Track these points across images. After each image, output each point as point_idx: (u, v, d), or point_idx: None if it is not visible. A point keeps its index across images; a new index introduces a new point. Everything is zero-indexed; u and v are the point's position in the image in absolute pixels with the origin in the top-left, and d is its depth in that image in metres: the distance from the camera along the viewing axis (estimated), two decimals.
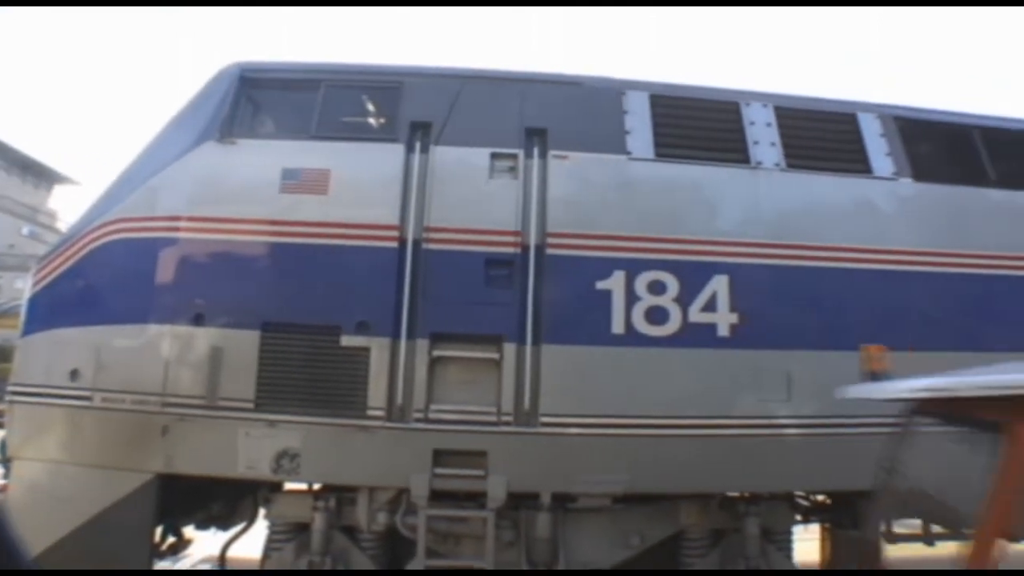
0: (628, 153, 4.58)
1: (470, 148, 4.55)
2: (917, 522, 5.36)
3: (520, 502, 4.24)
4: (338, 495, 4.31)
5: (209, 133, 4.56)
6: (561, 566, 4.21)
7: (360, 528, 4.30)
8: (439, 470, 4.06)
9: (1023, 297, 4.94)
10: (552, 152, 4.56)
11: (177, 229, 4.35)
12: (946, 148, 5.22)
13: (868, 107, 5.15)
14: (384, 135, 4.74)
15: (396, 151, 4.52)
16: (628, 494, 4.18)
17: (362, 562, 4.30)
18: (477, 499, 4.14)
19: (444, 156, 4.52)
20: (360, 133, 4.85)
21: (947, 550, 6.89)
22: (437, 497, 4.09)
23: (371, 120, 5.09)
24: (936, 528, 5.32)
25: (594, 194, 4.41)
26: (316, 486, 4.48)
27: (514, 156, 4.55)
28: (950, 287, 4.78)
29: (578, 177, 4.47)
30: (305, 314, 4.24)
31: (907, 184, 4.85)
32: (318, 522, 4.24)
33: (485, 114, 4.67)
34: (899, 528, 5.28)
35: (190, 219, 4.37)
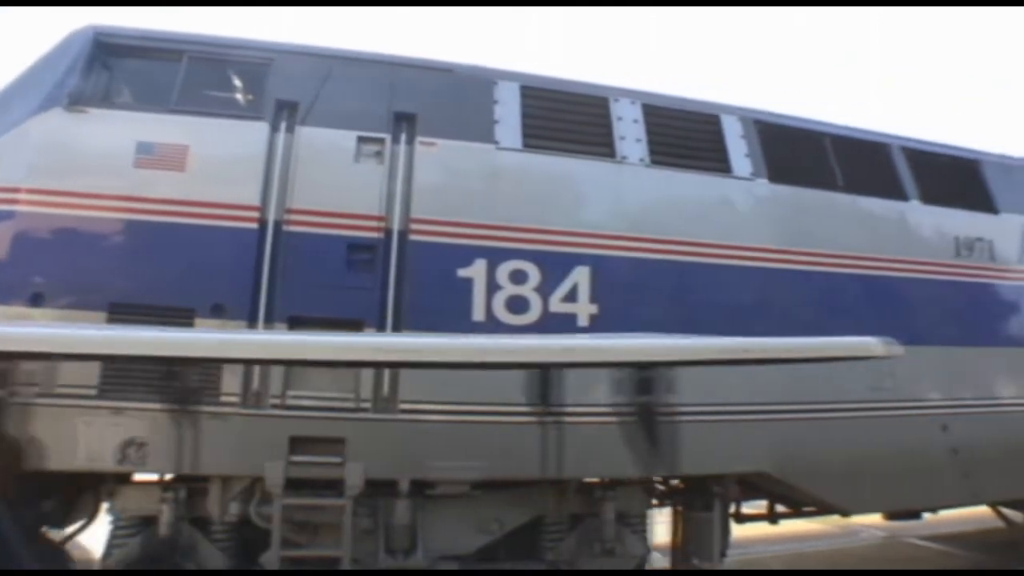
0: (496, 143, 4.90)
1: (337, 130, 4.73)
2: (763, 502, 6.03)
3: (378, 489, 4.45)
4: (188, 485, 4.40)
5: (56, 99, 4.52)
6: (420, 554, 4.46)
7: (211, 519, 4.40)
8: (295, 458, 4.21)
9: (866, 294, 5.65)
10: (420, 138, 4.81)
11: (15, 201, 4.31)
12: (800, 152, 5.89)
13: (731, 109, 5.74)
14: (248, 112, 4.83)
15: (260, 130, 4.66)
16: (487, 480, 4.48)
17: (212, 555, 4.42)
18: (335, 487, 4.30)
19: (310, 137, 4.69)
20: (223, 109, 4.89)
21: (790, 528, 7.79)
22: (293, 486, 4.23)
23: (235, 96, 5.15)
24: (779, 508, 6.01)
25: (460, 182, 4.70)
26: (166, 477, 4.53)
27: (381, 141, 4.77)
28: (801, 283, 5.42)
29: (445, 164, 4.74)
30: (156, 295, 4.30)
31: (763, 184, 5.45)
32: (166, 514, 4.31)
33: (354, 96, 4.87)
34: (746, 509, 5.94)
35: (30, 191, 4.34)
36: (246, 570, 4.61)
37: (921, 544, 8.30)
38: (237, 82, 5.08)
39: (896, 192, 6.14)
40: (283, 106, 4.74)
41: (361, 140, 4.71)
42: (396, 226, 4.55)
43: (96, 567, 4.73)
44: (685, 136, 5.46)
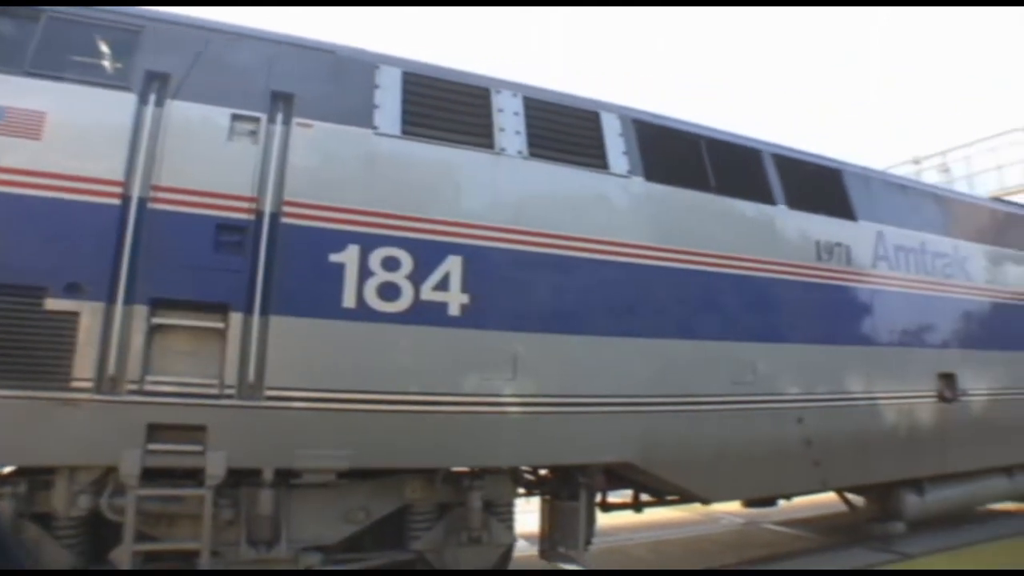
0: (374, 128, 5.08)
1: (210, 106, 4.77)
2: (628, 492, 6.52)
3: (241, 479, 4.56)
4: (30, 478, 4.34)
5: None
6: (283, 544, 4.60)
7: (56, 514, 4.35)
8: (153, 446, 4.24)
9: (735, 292, 6.21)
10: (297, 119, 4.91)
11: None
12: (676, 153, 6.39)
13: (610, 107, 6.16)
14: (115, 81, 4.74)
15: (127, 101, 4.63)
16: (353, 469, 4.65)
17: (57, 553, 4.38)
18: (195, 477, 4.37)
19: (180, 112, 4.70)
20: (87, 76, 4.76)
21: (651, 516, 8.41)
22: (150, 476, 4.26)
23: (102, 63, 5.04)
24: (644, 497, 6.52)
25: (335, 165, 4.85)
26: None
27: (256, 119, 4.83)
28: (674, 281, 5.90)
29: (321, 147, 4.88)
30: (3, 272, 4.19)
31: (638, 182, 5.91)
32: (4, 510, 4.24)
33: (230, 72, 4.92)
34: (612, 498, 6.41)
35: None
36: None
37: (776, 529, 9.19)
38: (104, 48, 4.98)
39: (765, 196, 6.77)
40: (153, 77, 4.72)
41: (235, 118, 4.77)
42: (268, 208, 4.64)
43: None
44: (564, 131, 5.82)
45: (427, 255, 4.90)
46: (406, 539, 5.16)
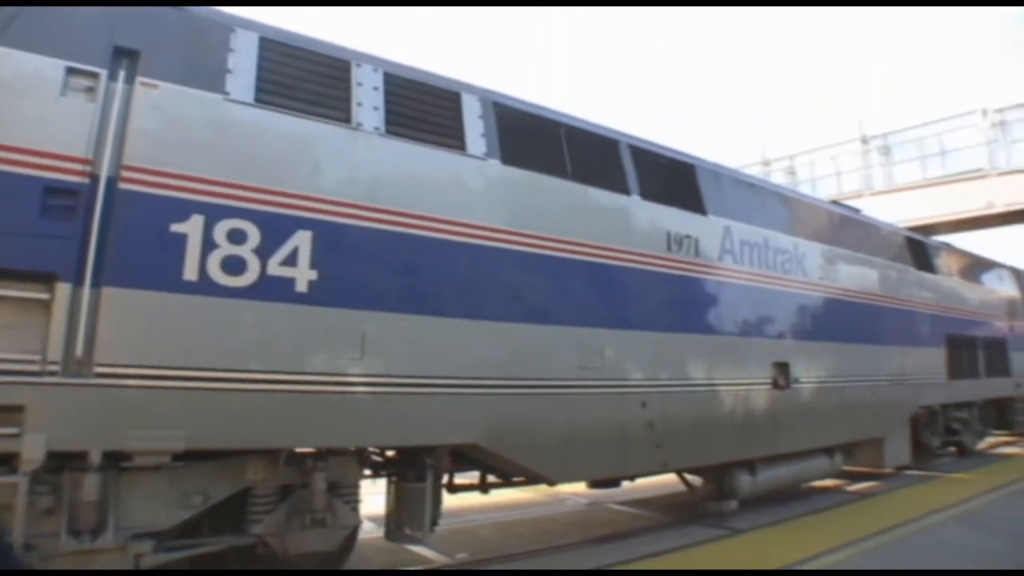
0: (226, 93, 4.92)
1: (42, 56, 4.44)
2: (475, 473, 6.73)
3: (65, 463, 4.33)
4: None
5: None
6: (110, 531, 4.42)
7: None
8: None
9: (588, 279, 6.50)
10: (141, 78, 4.68)
11: None
12: (535, 139, 6.60)
13: (472, 89, 6.28)
14: None
15: None
16: (191, 451, 4.51)
17: None
18: (8, 463, 4.10)
19: (6, 61, 4.36)
20: None
21: (499, 497, 8.72)
22: None
23: None
24: (491, 478, 6.75)
25: (180, 130, 4.67)
26: None
27: (95, 75, 4.55)
28: (528, 265, 6.11)
29: (166, 110, 4.67)
30: None
31: (495, 165, 6.06)
32: None
33: (68, 21, 4.58)
34: (459, 479, 6.60)
35: None
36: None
37: (618, 509, 9.76)
38: None
39: (620, 186, 7.12)
40: None
41: (71, 72, 4.45)
42: (104, 172, 4.39)
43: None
44: (424, 110, 5.88)
45: (275, 229, 4.81)
46: (246, 523, 5.09)
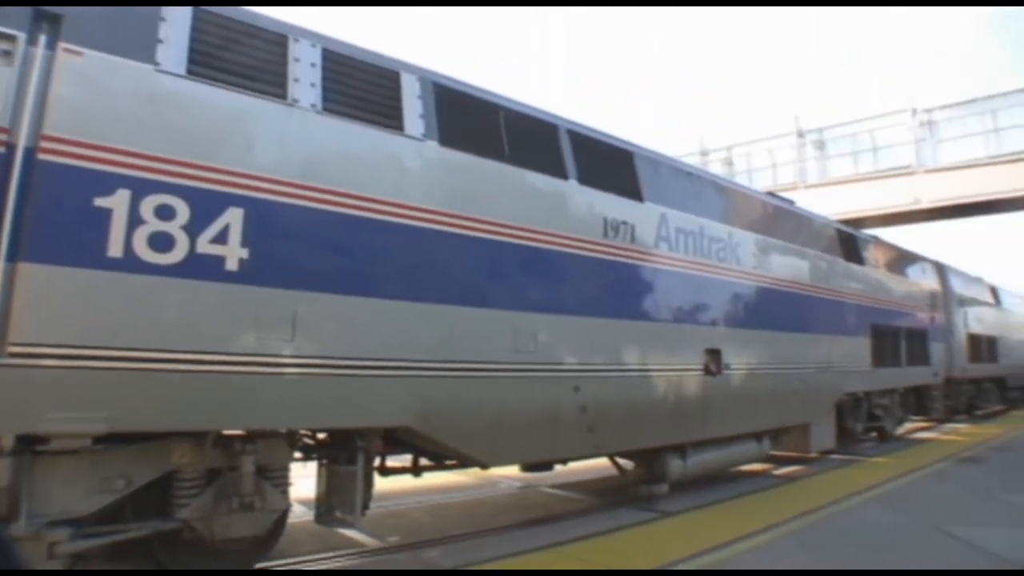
0: (156, 64, 4.76)
1: None
2: (408, 456, 6.74)
3: None
4: None
5: None
6: (23, 518, 4.26)
7: None
8: None
9: (524, 263, 6.54)
10: (64, 45, 4.49)
11: None
12: (473, 121, 6.59)
13: (412, 69, 6.23)
14: None
15: None
16: (113, 433, 4.38)
17: None
18: None
19: None
20: None
21: (433, 481, 8.78)
22: None
23: None
24: (423, 462, 6.77)
25: (107, 101, 4.49)
26: None
27: (12, 38, 4.36)
28: (465, 248, 6.11)
29: (91, 79, 4.49)
30: None
31: (433, 147, 6.03)
32: None
33: None
34: (392, 462, 6.60)
35: None
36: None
37: (551, 492, 9.94)
38: None
39: (558, 171, 7.16)
40: None
41: None
42: (22, 141, 4.21)
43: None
44: (363, 88, 5.80)
45: (206, 206, 4.68)
46: (171, 507, 4.99)
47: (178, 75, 4.84)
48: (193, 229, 4.62)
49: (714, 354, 8.87)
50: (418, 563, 5.60)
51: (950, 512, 7.63)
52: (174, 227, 4.55)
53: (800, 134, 33.28)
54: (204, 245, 4.65)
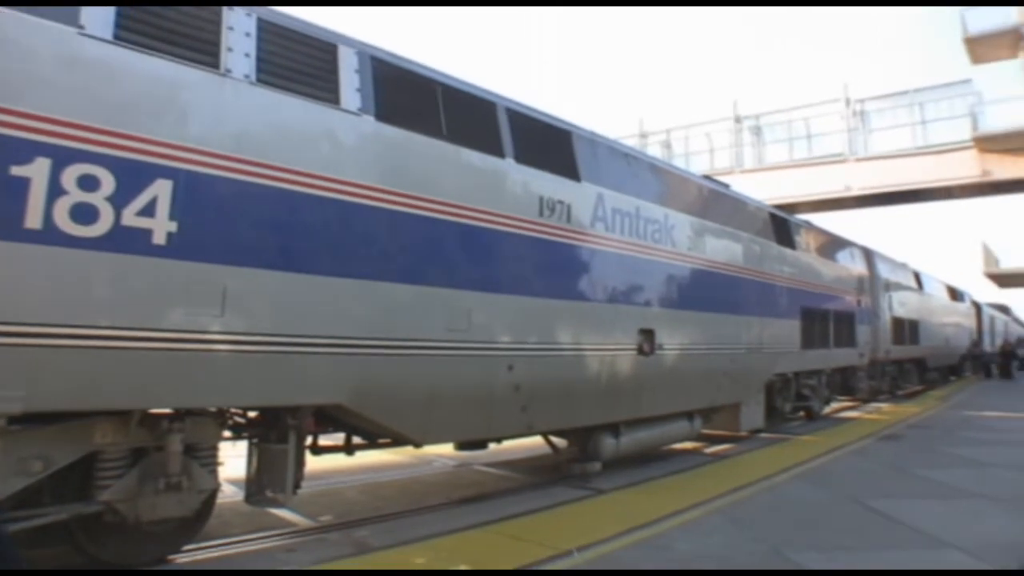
0: (80, 27, 4.56)
1: None
2: (341, 435, 6.73)
3: None
4: None
5: None
6: None
7: None
8: None
9: (461, 241, 6.55)
10: None
11: None
12: (411, 97, 6.54)
13: (350, 42, 6.14)
14: None
15: None
16: (30, 413, 4.23)
17: None
18: None
19: None
20: None
21: (366, 459, 8.79)
22: None
23: None
24: (356, 440, 6.77)
25: (24, 63, 4.29)
26: None
27: None
28: (401, 225, 6.08)
29: (6, 39, 4.27)
30: None
31: (369, 121, 5.98)
32: None
33: None
34: (324, 441, 6.58)
35: None
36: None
37: (485, 470, 10.08)
38: None
39: (495, 149, 7.18)
40: None
41: None
42: None
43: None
44: (299, 60, 5.69)
45: (132, 177, 4.52)
46: (93, 489, 4.86)
47: (104, 40, 4.66)
48: (118, 201, 4.46)
49: (648, 334, 9.05)
50: (349, 542, 5.58)
51: (871, 487, 7.98)
52: (98, 198, 4.39)
53: (738, 119, 33.99)
54: (130, 218, 4.50)
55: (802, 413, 15.27)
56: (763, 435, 12.79)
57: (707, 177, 13.01)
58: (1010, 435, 12.93)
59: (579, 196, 8.11)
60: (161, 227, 4.64)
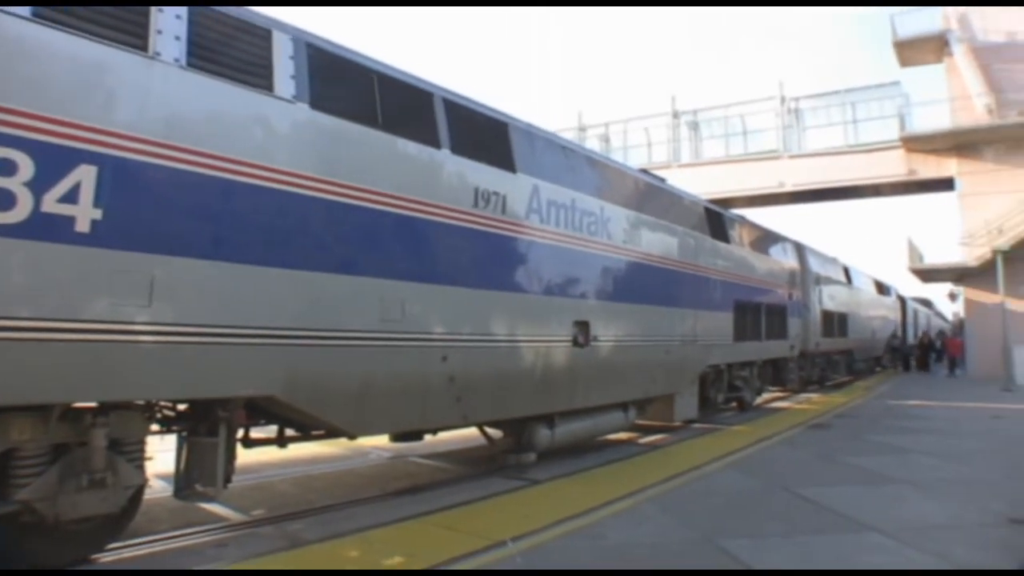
0: None
1: None
2: (273, 427, 6.67)
3: None
4: None
5: None
6: None
7: None
8: None
9: (394, 231, 6.54)
10: None
11: None
12: (346, 85, 6.50)
13: (285, 28, 6.06)
14: None
15: None
16: None
17: None
18: None
19: None
20: None
21: (299, 452, 8.75)
22: None
23: None
24: (289, 432, 6.72)
25: None
26: None
27: None
28: (335, 215, 6.06)
29: None
30: None
31: (303, 109, 5.92)
32: None
33: None
34: (257, 433, 6.52)
35: None
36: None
37: (420, 462, 10.11)
38: None
39: (431, 139, 7.18)
40: None
41: None
42: None
43: None
44: (232, 45, 5.59)
45: (53, 162, 4.36)
46: (8, 488, 4.66)
47: (24, 18, 4.49)
48: (38, 187, 4.29)
49: (583, 326, 9.18)
50: (283, 536, 5.55)
51: (799, 475, 8.28)
52: (15, 183, 4.22)
53: (676, 115, 34.59)
54: (51, 204, 4.34)
55: (735, 403, 15.69)
56: (697, 425, 13.12)
57: (644, 171, 13.24)
58: (929, 423, 13.57)
59: (514, 187, 8.18)
60: (85, 214, 4.51)
